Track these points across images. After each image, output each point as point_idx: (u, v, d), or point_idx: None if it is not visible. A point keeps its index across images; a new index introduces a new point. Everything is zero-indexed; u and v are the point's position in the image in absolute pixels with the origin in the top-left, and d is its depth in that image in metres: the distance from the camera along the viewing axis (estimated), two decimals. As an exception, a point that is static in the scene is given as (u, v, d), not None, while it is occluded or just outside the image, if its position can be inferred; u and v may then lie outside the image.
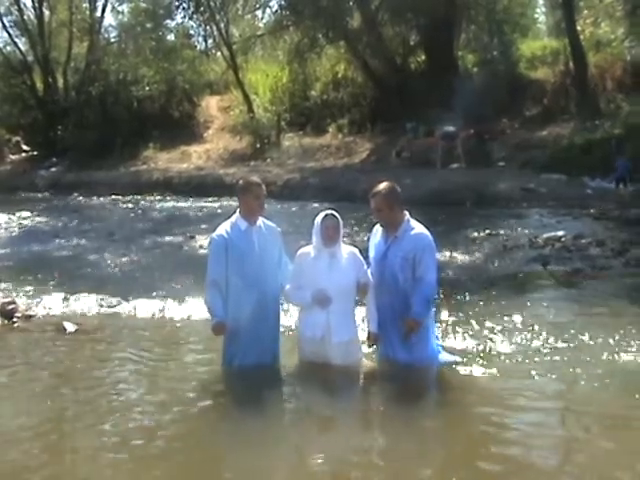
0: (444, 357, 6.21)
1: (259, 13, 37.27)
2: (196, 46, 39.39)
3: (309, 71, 31.01)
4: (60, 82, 35.35)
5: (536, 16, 36.33)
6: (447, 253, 11.36)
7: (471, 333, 7.22)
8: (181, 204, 21.50)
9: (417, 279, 5.77)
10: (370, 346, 6.14)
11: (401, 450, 4.90)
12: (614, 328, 7.14)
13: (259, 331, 6.00)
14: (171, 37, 37.15)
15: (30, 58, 35.46)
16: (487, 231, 13.33)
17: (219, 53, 36.47)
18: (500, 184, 18.29)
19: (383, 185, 5.93)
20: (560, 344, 6.74)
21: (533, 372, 6.16)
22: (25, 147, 34.58)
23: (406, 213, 5.90)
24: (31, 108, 34.67)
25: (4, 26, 35.73)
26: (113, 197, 23.69)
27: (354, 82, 30.24)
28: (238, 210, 6.05)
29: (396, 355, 5.94)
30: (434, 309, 6.20)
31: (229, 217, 6.12)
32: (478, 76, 27.20)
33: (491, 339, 7.01)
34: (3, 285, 10.32)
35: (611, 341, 6.72)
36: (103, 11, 36.44)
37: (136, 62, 34.79)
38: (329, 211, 5.85)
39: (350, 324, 5.96)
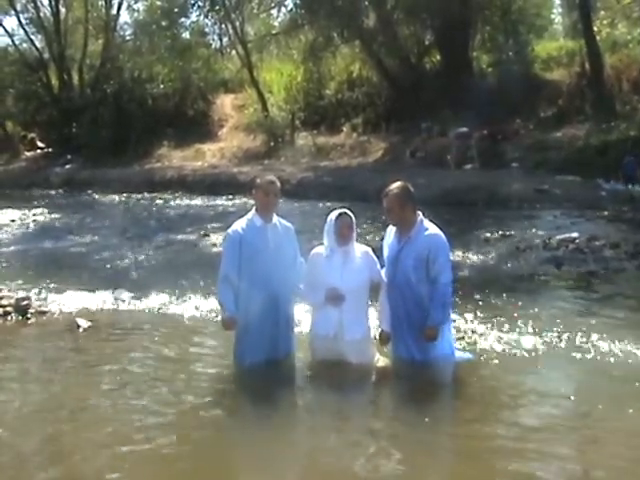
0: (458, 355, 6.21)
1: (274, 12, 37.28)
2: (211, 44, 39.50)
3: (324, 70, 30.95)
4: (75, 79, 35.48)
5: (552, 17, 36.25)
6: (460, 254, 11.33)
7: (485, 334, 7.21)
8: (195, 202, 21.52)
9: (432, 281, 5.77)
10: (382, 345, 6.14)
11: (414, 449, 4.90)
12: (628, 330, 7.12)
13: (270, 328, 6.02)
14: (186, 35, 37.16)
15: (46, 55, 35.60)
16: (500, 232, 13.28)
17: (234, 51, 36.53)
18: (514, 185, 18.21)
19: (395, 185, 5.93)
20: (574, 345, 6.73)
21: (547, 373, 6.15)
22: (40, 144, 34.69)
23: (420, 214, 5.89)
24: (46, 105, 34.80)
25: (20, 23, 36.01)
26: (127, 194, 23.74)
27: (369, 81, 30.19)
28: (254, 207, 6.08)
29: (409, 354, 5.95)
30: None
31: (244, 215, 6.15)
32: (493, 77, 27.11)
33: (505, 340, 6.99)
34: (17, 281, 10.38)
35: (625, 343, 6.69)
36: (119, 9, 36.63)
37: (151, 60, 34.85)
38: (342, 210, 5.86)
39: (363, 323, 5.97)
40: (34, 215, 19.10)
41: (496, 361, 6.43)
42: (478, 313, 7.93)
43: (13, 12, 35.80)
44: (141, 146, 30.22)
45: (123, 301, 9.10)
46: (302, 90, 31.54)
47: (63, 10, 35.77)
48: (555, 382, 6.00)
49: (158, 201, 22.25)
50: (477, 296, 8.75)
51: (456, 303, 8.00)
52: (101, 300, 9.17)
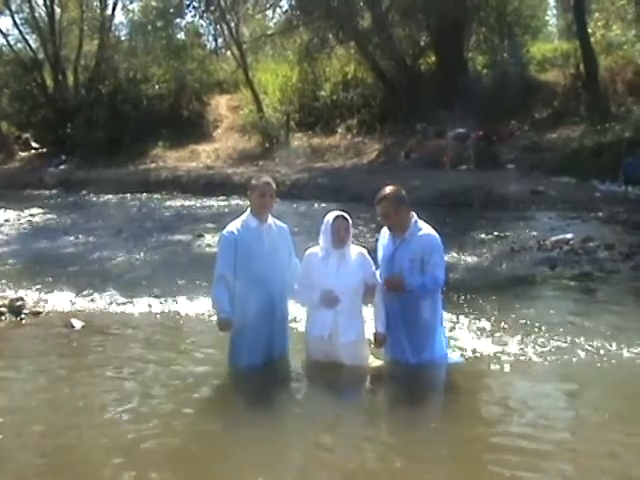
0: (452, 358, 6.21)
1: (269, 13, 37.28)
2: (206, 45, 39.55)
3: (319, 71, 30.92)
4: (70, 80, 35.39)
5: (547, 18, 36.26)
6: (455, 254, 11.34)
7: (479, 335, 7.21)
8: (189, 203, 21.49)
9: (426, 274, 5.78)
10: (377, 347, 6.13)
11: (407, 451, 4.90)
12: (622, 331, 7.13)
13: (266, 330, 6.02)
14: (181, 36, 37.20)
15: (41, 56, 35.46)
16: (495, 233, 13.29)
17: (229, 52, 36.49)
18: (509, 186, 18.21)
19: (388, 190, 5.92)
20: (568, 347, 6.73)
21: (541, 375, 6.15)
22: (34, 144, 34.61)
23: (413, 214, 5.89)
24: (41, 105, 34.69)
25: (15, 23, 35.86)
26: (122, 195, 23.69)
27: (364, 83, 30.18)
28: (249, 208, 6.08)
29: (404, 356, 5.94)
30: (443, 310, 6.18)
31: (239, 215, 6.14)
32: (488, 78, 27.13)
33: (498, 341, 7.00)
34: (11, 282, 10.36)
35: (620, 344, 6.70)
36: (114, 9, 36.55)
37: (146, 60, 34.83)
38: (339, 212, 5.86)
39: (357, 324, 5.96)
40: (28, 215, 19.04)
41: (489, 363, 6.42)
42: (472, 314, 7.93)
43: (8, 12, 35.72)
44: (136, 147, 30.18)
45: (117, 301, 9.09)
46: (297, 91, 31.53)
47: (58, 10, 35.69)
48: (548, 385, 6.00)
49: (153, 201, 22.21)
50: (471, 297, 8.75)
51: (450, 304, 8.02)
52: (95, 300, 9.16)
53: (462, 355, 6.54)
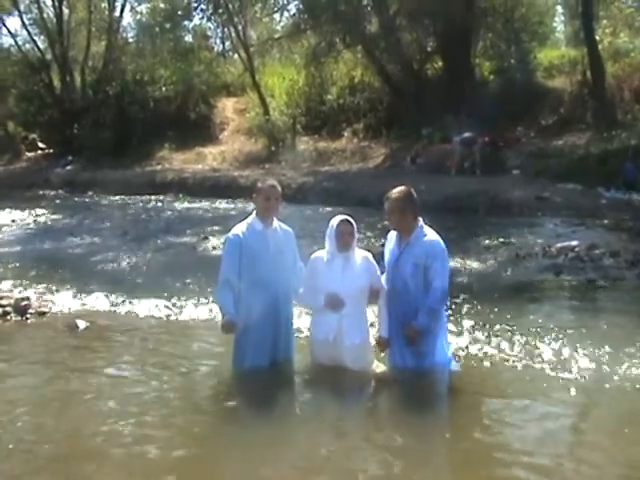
0: (454, 364, 6.20)
1: (277, 16, 37.30)
2: (213, 48, 39.67)
3: (326, 75, 30.99)
4: (77, 81, 35.51)
5: (555, 25, 36.30)
6: (460, 260, 11.32)
7: (483, 341, 7.20)
8: (195, 205, 21.52)
9: (427, 286, 5.76)
10: (380, 352, 6.14)
11: (408, 456, 4.90)
12: (628, 339, 7.10)
13: (270, 333, 6.01)
14: (189, 38, 37.36)
15: (48, 56, 35.58)
16: (500, 239, 13.28)
17: (236, 55, 36.57)
18: (514, 192, 18.22)
19: (399, 189, 5.92)
20: (573, 354, 6.71)
21: (545, 382, 6.13)
22: (41, 145, 34.71)
23: (420, 219, 5.89)
24: (48, 106, 34.77)
25: (24, 24, 36.02)
26: (127, 196, 23.72)
27: (370, 87, 30.23)
28: (255, 211, 6.09)
29: (405, 362, 5.93)
30: (446, 316, 6.17)
31: (244, 218, 6.15)
32: (495, 84, 27.15)
33: (502, 347, 6.98)
34: (17, 282, 10.39)
35: (625, 353, 6.68)
36: (122, 11, 36.73)
37: (153, 62, 34.92)
38: (344, 216, 5.87)
39: (362, 328, 5.97)
40: (35, 216, 19.12)
41: (493, 370, 6.42)
42: (476, 320, 7.91)
43: (16, 13, 35.88)
44: (142, 148, 30.24)
45: (122, 302, 9.09)
46: (304, 95, 31.57)
47: (66, 11, 35.81)
48: (551, 394, 5.97)
49: (158, 203, 22.25)
50: (476, 303, 8.74)
51: (454, 310, 8.02)
52: (100, 301, 9.18)
53: (465, 361, 6.52)
